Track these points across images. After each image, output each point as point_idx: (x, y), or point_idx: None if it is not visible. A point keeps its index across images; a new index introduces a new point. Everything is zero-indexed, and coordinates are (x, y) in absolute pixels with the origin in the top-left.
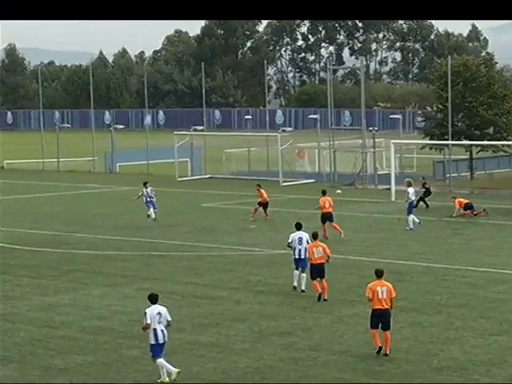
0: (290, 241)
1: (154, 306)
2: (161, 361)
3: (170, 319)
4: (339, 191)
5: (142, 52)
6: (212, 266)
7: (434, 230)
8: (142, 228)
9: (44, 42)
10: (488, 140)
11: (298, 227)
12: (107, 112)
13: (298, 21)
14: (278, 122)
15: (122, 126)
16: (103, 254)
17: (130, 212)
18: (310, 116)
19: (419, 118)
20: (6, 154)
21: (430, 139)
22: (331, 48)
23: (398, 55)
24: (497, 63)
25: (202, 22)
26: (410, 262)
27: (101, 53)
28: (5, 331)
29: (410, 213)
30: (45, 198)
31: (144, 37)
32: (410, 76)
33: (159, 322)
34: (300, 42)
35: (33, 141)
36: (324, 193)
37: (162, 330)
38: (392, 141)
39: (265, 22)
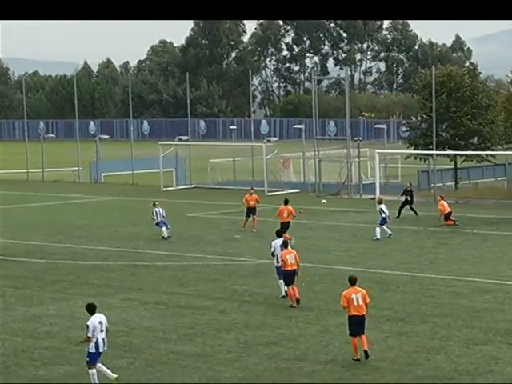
0: (272, 249)
1: (94, 316)
2: (94, 371)
3: (107, 325)
4: (324, 201)
5: (127, 62)
6: (197, 276)
7: (419, 239)
8: (126, 238)
9: (29, 52)
10: (472, 150)
11: (279, 235)
12: (92, 122)
13: (283, 31)
14: (262, 132)
15: (106, 136)
16: (88, 265)
17: (114, 222)
18: (295, 126)
19: (404, 128)
20: None
21: (415, 149)
22: (316, 58)
23: (382, 65)
24: (480, 73)
25: (187, 32)
26: (396, 271)
27: (85, 63)
28: None
29: (382, 224)
30: (29, 208)
31: (129, 47)
32: (395, 86)
33: (101, 331)
34: (285, 53)
35: (17, 151)
36: (286, 202)
37: (103, 339)
38: (377, 151)
39: (249, 33)
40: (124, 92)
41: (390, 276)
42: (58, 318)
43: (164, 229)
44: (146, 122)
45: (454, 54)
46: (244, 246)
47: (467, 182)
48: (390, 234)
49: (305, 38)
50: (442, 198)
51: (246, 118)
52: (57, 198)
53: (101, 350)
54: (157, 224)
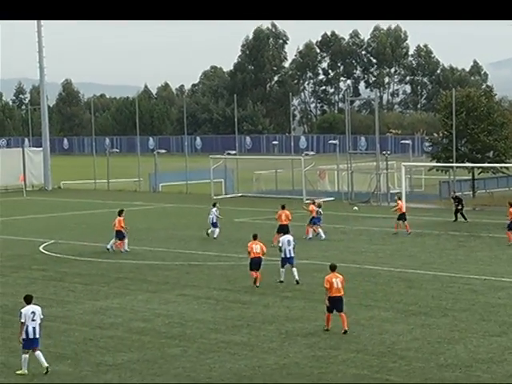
0: (280, 244)
1: (29, 306)
2: (25, 356)
3: (42, 317)
4: (356, 208)
5: (182, 85)
6: (244, 274)
7: (440, 242)
8: (181, 240)
9: (96, 76)
10: (488, 162)
11: (286, 231)
12: (151, 138)
13: (320, 57)
14: (301, 147)
15: (164, 151)
16: (148, 264)
17: (171, 226)
18: (330, 141)
19: (427, 143)
20: (62, 175)
21: (437, 162)
22: (349, 81)
23: (408, 88)
24: (496, 95)
25: (235, 59)
26: (420, 270)
27: (146, 86)
28: (61, 332)
29: (315, 224)
30: (96, 214)
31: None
32: (419, 106)
33: (33, 320)
34: (321, 76)
35: (86, 164)
36: (283, 207)
37: (34, 328)
38: (403, 163)
39: (290, 59)
40: (179, 112)
41: (414, 275)
42: (120, 311)
43: (215, 228)
44: (198, 138)
45: (472, 78)
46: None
47: (484, 191)
48: (314, 235)
49: (339, 64)
50: (399, 199)
51: (287, 134)
52: (120, 206)
53: (30, 337)
54: (213, 224)
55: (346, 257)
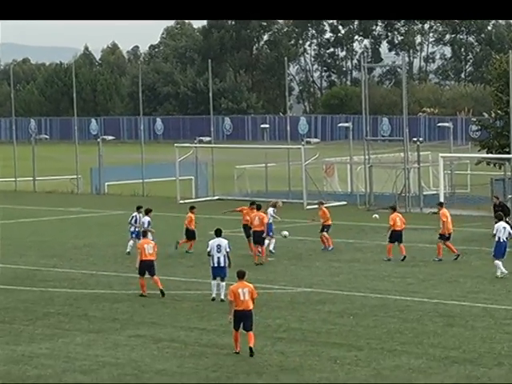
0: (208, 249)
1: None
2: None
3: None
4: (376, 216)
5: (136, 47)
6: (221, 308)
7: (492, 263)
8: (135, 261)
9: (17, 35)
10: None
11: (218, 234)
12: (94, 120)
13: None
14: (301, 132)
15: (111, 137)
16: (89, 293)
17: (121, 242)
18: (341, 124)
19: (474, 127)
20: None
21: (488, 152)
22: (366, 42)
23: (447, 50)
24: None
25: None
26: (464, 302)
27: (86, 48)
28: None
29: (267, 235)
30: (17, 224)
31: (138, 29)
32: (463, 76)
33: None
34: (328, 35)
35: (3, 155)
36: (258, 208)
37: None
38: (441, 154)
39: None
40: (133, 84)
41: (456, 308)
42: (51, 359)
43: (131, 243)
44: (159, 120)
45: None
46: (278, 270)
47: None
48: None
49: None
50: (322, 204)
51: (281, 114)
52: (51, 213)
53: None
54: (135, 234)
55: (363, 283)
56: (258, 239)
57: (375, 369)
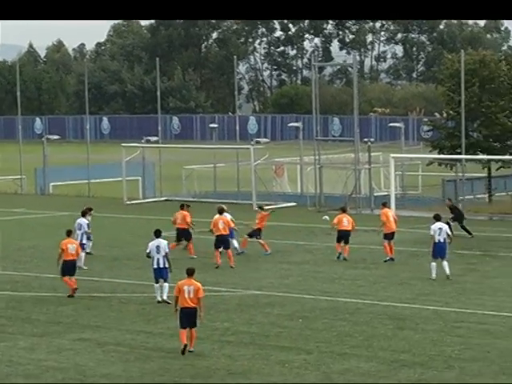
0: (148, 251)
1: None
2: None
3: None
4: (326, 217)
5: (82, 45)
6: (168, 311)
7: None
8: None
9: None
10: (510, 154)
11: (157, 235)
12: (38, 119)
13: None
14: (250, 132)
15: (56, 137)
16: (32, 296)
17: None
18: (291, 124)
19: (425, 127)
20: None
21: (439, 153)
22: (316, 40)
23: (399, 49)
24: None
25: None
26: (415, 305)
27: (30, 46)
28: None
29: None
30: None
31: (84, 27)
32: (414, 75)
33: None
34: (278, 33)
35: None
36: (221, 212)
37: None
38: (392, 155)
39: None
40: (79, 82)
41: (407, 310)
42: None
43: (91, 243)
44: (105, 119)
45: (489, 36)
46: (227, 273)
47: (504, 193)
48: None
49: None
50: (262, 209)
51: (230, 114)
52: None
53: None
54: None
55: (313, 286)
56: (225, 243)
57: (324, 372)
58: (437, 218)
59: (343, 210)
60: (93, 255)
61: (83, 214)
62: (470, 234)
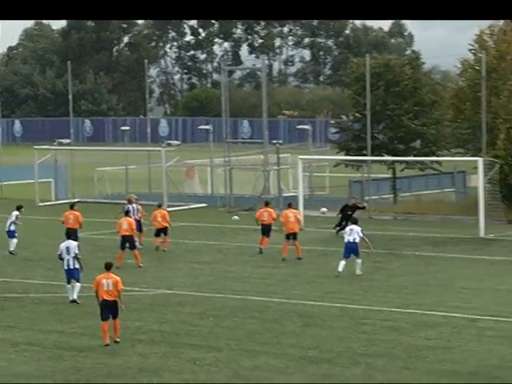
0: (59, 252)
1: None
2: None
3: None
4: (236, 217)
5: None
6: (81, 310)
7: (350, 263)
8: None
9: None
10: (414, 155)
11: (68, 236)
12: None
13: None
14: (161, 134)
15: None
16: None
17: None
18: (201, 127)
19: (332, 129)
20: None
21: (346, 154)
22: (226, 44)
23: (306, 53)
24: (424, 63)
25: None
26: (323, 302)
27: None
28: None
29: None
30: None
31: None
32: (322, 78)
33: None
34: (188, 38)
35: None
36: (160, 206)
37: None
38: (300, 156)
39: None
40: None
41: (315, 308)
42: None
43: (15, 240)
44: (17, 122)
45: (393, 40)
46: (139, 272)
47: (408, 194)
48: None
49: (213, 20)
50: (160, 207)
51: (142, 116)
52: None
53: None
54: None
55: (223, 284)
56: (130, 244)
57: (234, 369)
58: (352, 221)
59: (266, 204)
60: (13, 255)
61: (18, 208)
62: (338, 229)
